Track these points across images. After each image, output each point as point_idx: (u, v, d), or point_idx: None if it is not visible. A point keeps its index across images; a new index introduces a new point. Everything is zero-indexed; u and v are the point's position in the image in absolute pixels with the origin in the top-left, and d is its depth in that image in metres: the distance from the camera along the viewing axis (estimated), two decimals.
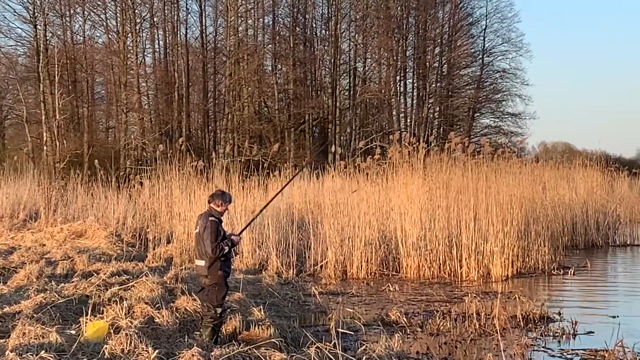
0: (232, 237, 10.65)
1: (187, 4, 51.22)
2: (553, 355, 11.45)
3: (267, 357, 8.97)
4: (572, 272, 20.75)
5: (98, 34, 50.89)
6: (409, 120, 54.48)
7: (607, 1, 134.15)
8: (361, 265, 20.09)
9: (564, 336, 12.69)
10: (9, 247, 21.36)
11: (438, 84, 56.73)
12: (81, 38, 49.07)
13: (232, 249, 10.63)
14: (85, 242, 22.48)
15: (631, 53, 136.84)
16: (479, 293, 16.66)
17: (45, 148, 43.02)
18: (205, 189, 20.75)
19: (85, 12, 48.39)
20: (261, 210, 12.98)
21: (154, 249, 21.33)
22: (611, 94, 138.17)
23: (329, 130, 51.39)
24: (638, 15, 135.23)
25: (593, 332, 13.01)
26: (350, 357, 8.64)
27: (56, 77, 42.14)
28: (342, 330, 10.63)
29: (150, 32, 50.03)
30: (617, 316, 14.19)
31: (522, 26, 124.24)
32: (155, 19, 49.33)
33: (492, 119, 58.96)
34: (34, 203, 29.48)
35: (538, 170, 27.25)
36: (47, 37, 45.02)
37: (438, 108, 56.50)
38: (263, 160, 28.74)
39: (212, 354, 8.87)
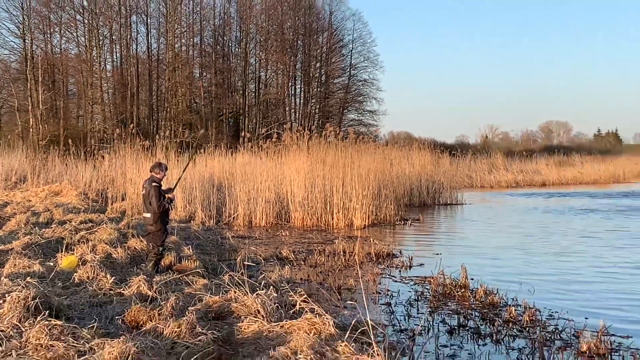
0: (168, 195, 13.27)
1: (137, 27, 62.71)
2: (395, 281, 14.33)
3: (194, 282, 11.64)
4: (409, 223, 26.40)
5: (71, 47, 62.31)
6: (297, 114, 68.43)
7: (442, 28, 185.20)
8: (262, 217, 25.68)
9: (403, 267, 16.10)
10: (3, 202, 25.36)
11: (318, 89, 72.27)
12: (58, 50, 60.76)
13: (170, 205, 13.54)
14: (60, 199, 26.45)
15: (453, 66, 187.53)
16: (345, 237, 20.84)
17: (31, 130, 53.89)
18: (149, 162, 24.39)
19: (62, 31, 60.51)
20: (184, 170, 15.98)
21: (111, 204, 26.47)
22: (439, 95, 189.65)
23: (240, 120, 64.93)
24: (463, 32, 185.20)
25: (423, 264, 16.37)
26: (253, 282, 10.98)
27: (39, 78, 54.78)
28: (248, 263, 13.93)
29: (110, 46, 61.73)
30: (440, 253, 17.92)
31: (379, 48, 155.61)
32: (113, 37, 61.17)
33: (356, 114, 75.13)
34: (22, 170, 35.44)
35: (387, 152, 33.57)
36: (33, 49, 57.52)
37: (318, 106, 71.37)
38: (192, 141, 35.94)
39: (154, 279, 11.30)
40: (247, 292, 9.98)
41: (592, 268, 15.87)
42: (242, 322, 8.62)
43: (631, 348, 9.00)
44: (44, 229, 17.33)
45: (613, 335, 9.52)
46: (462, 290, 12.57)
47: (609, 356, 8.79)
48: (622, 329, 9.94)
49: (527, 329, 9.98)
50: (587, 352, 8.83)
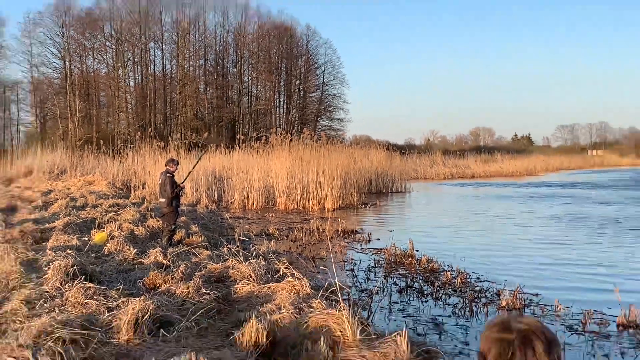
0: (180, 184, 13.50)
1: (154, 51, 62.29)
2: (357, 252, 14.40)
3: (199, 253, 11.69)
4: (369, 207, 26.36)
5: (102, 67, 61.78)
6: (281, 121, 67.82)
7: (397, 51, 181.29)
8: (253, 202, 25.64)
9: (364, 241, 16.08)
10: (48, 189, 25.38)
11: (297, 101, 72.01)
12: (92, 69, 59.93)
13: (180, 193, 13.61)
14: (93, 187, 26.39)
15: (405, 81, 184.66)
16: (318, 218, 21.00)
17: (70, 133, 53.28)
18: (164, 158, 23.66)
19: (94, 54, 59.80)
20: (194, 167, 15.67)
21: (134, 192, 26.03)
22: (392, 105, 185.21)
23: (236, 125, 63.78)
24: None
25: (379, 239, 16.39)
26: (246, 253, 11.05)
27: (77, 91, 54.65)
28: (242, 238, 13.92)
29: (133, 67, 60.74)
30: (392, 230, 18.12)
31: (345, 69, 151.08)
32: (135, 59, 60.32)
33: (327, 122, 74.18)
34: (63, 165, 35.17)
35: (351, 151, 33.15)
36: (72, 68, 57.41)
37: (297, 115, 70.97)
38: (198, 142, 35.87)
39: (168, 251, 11.34)
40: (241, 261, 10.03)
41: (509, 242, 16.07)
42: (237, 284, 8.65)
43: (540, 303, 9.11)
44: (80, 211, 17.29)
45: (525, 293, 9.63)
46: (410, 259, 12.65)
47: (523, 309, 8.90)
48: (533, 287, 10.06)
49: (460, 289, 10.07)
50: (506, 306, 8.93)
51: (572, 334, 7.76)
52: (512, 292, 9.38)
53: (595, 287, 10.33)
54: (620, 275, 11.30)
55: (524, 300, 9.25)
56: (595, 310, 8.61)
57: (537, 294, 9.69)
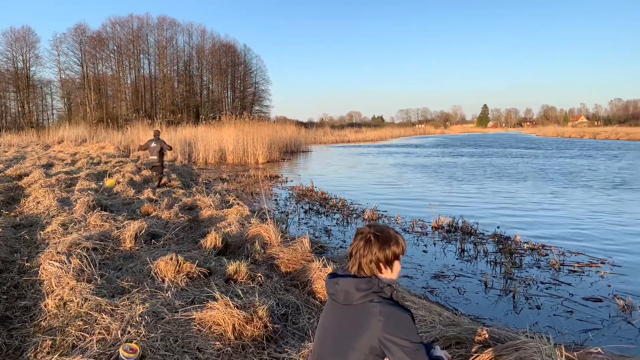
0: (169, 145, 13.49)
1: (143, 61, 59.19)
2: (279, 189, 14.09)
3: (177, 191, 11.08)
4: (285, 161, 25.56)
5: (108, 71, 57.71)
6: (229, 107, 63.40)
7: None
8: (212, 159, 24.44)
9: (284, 182, 15.71)
10: (74, 152, 23.43)
11: (239, 94, 69.06)
12: (101, 72, 56.45)
13: (166, 152, 12.88)
14: (105, 150, 24.67)
15: (308, 74, 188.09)
16: (254, 168, 20.67)
17: (87, 115, 50.65)
18: (151, 130, 23.54)
19: (103, 62, 56.38)
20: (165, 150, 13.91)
21: (132, 153, 23.88)
22: (299, 93, 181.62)
23: (199, 109, 60.47)
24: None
25: (292, 180, 16.06)
26: (208, 191, 11.02)
27: (91, 88, 53.15)
28: (205, 181, 13.90)
29: (129, 71, 57.98)
30: (300, 175, 17.92)
31: (269, 72, 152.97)
32: (130, 66, 57.66)
33: (259, 107, 70.73)
34: (84, 136, 33.28)
35: (273, 126, 31.81)
36: (87, 72, 54.60)
37: (240, 103, 67.16)
38: (174, 121, 35.00)
39: (156, 191, 10.89)
40: (205, 195, 9.80)
41: (371, 179, 16.33)
42: (202, 210, 8.46)
43: (387, 216, 9.41)
44: (96, 166, 16.26)
45: (379, 211, 9.92)
46: (311, 192, 12.74)
47: (378, 220, 9.17)
48: (384, 207, 10.38)
49: (341, 209, 10.25)
50: (367, 219, 9.19)
51: (405, 233, 8.09)
52: (371, 210, 9.66)
53: (419, 205, 10.77)
54: (433, 198, 11.83)
55: (379, 215, 9.54)
56: (419, 219, 8.99)
57: (386, 211, 10.02)
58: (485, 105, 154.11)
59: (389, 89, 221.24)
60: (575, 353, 2.81)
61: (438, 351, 2.02)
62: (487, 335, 3.06)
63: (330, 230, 8.27)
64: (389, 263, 1.96)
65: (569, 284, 5.52)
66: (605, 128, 75.94)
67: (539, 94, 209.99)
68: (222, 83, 66.96)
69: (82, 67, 54.59)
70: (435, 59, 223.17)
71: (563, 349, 2.76)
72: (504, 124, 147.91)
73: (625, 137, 52.03)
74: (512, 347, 2.73)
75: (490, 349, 2.81)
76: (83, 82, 54.14)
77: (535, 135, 76.33)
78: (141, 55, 58.83)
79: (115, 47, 56.94)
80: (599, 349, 2.84)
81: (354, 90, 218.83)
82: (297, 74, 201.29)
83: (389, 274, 1.97)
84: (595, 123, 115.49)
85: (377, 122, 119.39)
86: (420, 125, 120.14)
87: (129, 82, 58.25)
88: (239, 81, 69.83)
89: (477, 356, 2.80)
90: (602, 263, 6.32)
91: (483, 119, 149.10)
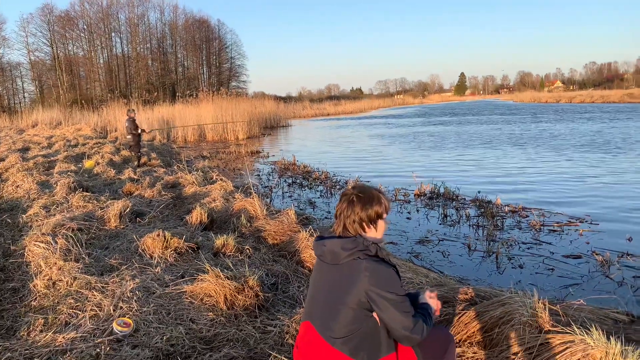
0: (143, 128, 13.05)
1: (115, 40, 56.84)
2: (261, 164, 14.10)
3: (158, 170, 11.08)
4: (266, 136, 25.41)
5: (79, 51, 55.56)
6: (205, 83, 61.05)
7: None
8: (191, 137, 23.86)
9: (264, 157, 15.80)
10: (50, 135, 22.67)
11: (216, 70, 66.89)
12: (72, 53, 54.30)
13: (142, 133, 12.59)
14: (82, 132, 23.92)
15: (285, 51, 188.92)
16: (235, 144, 20.44)
17: (61, 97, 48.42)
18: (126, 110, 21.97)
19: (73, 42, 54.20)
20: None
21: (109, 134, 23.53)
22: (276, 69, 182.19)
23: (175, 87, 58.78)
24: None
25: (274, 155, 16.01)
26: (190, 168, 10.89)
27: (63, 69, 50.70)
28: (186, 159, 13.51)
29: (101, 50, 55.96)
30: (282, 150, 17.86)
31: (244, 47, 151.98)
32: (102, 45, 55.34)
33: (236, 83, 68.11)
34: (59, 118, 32.15)
35: (252, 101, 31.77)
36: (58, 53, 52.15)
37: (216, 79, 65.55)
38: (150, 100, 33.78)
39: (137, 170, 10.86)
40: (187, 173, 9.71)
41: (352, 150, 16.41)
42: (185, 187, 8.41)
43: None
44: (74, 148, 15.87)
45: (363, 180, 10.00)
46: (293, 166, 12.74)
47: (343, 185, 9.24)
48: (367, 177, 10.47)
49: (324, 181, 10.28)
50: (344, 187, 9.24)
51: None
52: (354, 181, 9.72)
53: (402, 174, 10.87)
54: (415, 167, 11.96)
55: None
56: (402, 188, 9.10)
57: (368, 181, 10.10)
58: (462, 74, 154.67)
59: (367, 60, 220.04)
60: (558, 306, 2.93)
61: (425, 298, 2.09)
62: (473, 294, 3.16)
63: (315, 202, 8.32)
64: (372, 222, 2.01)
65: (550, 243, 5.69)
66: (581, 92, 77.09)
67: (515, 60, 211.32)
68: (197, 59, 65.10)
69: (52, 48, 52.48)
70: (413, 28, 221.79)
71: (547, 302, 2.87)
72: (481, 92, 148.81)
73: (600, 100, 52.95)
74: (498, 302, 2.83)
75: (477, 305, 2.91)
76: (54, 63, 52.05)
77: (512, 101, 77.05)
78: (112, 34, 56.70)
79: (85, 27, 54.74)
80: (581, 301, 2.96)
81: (332, 64, 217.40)
82: (273, 49, 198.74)
83: (374, 233, 2.02)
84: (571, 87, 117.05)
85: (356, 94, 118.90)
86: (399, 96, 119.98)
87: (101, 62, 56.23)
88: (214, 57, 68.02)
89: (465, 313, 2.90)
90: (580, 222, 6.52)
91: (461, 87, 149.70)
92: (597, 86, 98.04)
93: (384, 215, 2.04)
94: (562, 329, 2.52)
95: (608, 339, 2.37)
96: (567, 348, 2.39)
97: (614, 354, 2.28)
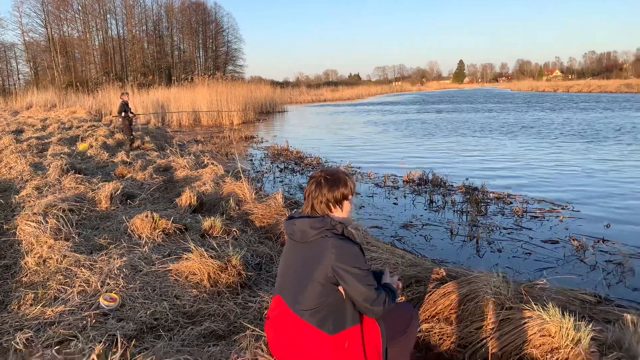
0: (133, 112, 12.94)
1: (110, 21, 56.60)
2: (254, 149, 14.20)
3: (151, 154, 11.19)
4: (261, 121, 25.29)
5: (74, 32, 54.98)
6: (201, 67, 62.74)
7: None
8: (186, 121, 24.07)
9: (259, 143, 15.75)
10: (44, 117, 22.74)
11: (212, 53, 66.66)
12: (67, 34, 53.51)
13: (135, 116, 13.49)
14: (76, 115, 24.13)
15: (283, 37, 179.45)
16: (229, 129, 20.59)
17: (56, 79, 48.55)
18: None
19: (68, 23, 53.40)
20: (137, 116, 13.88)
21: (104, 117, 23.87)
22: (274, 54, 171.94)
23: (171, 70, 58.68)
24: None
25: (268, 141, 16.11)
26: (183, 152, 11.01)
27: (58, 50, 50.22)
28: (179, 143, 13.58)
29: (96, 32, 55.46)
30: (276, 135, 17.94)
31: (241, 30, 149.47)
32: (98, 27, 54.88)
33: (232, 67, 68.08)
34: (53, 101, 32.04)
35: (248, 86, 31.28)
36: (52, 34, 51.61)
37: (213, 63, 65.36)
38: (145, 83, 34.41)
39: (130, 153, 11.00)
40: (179, 157, 9.83)
41: (346, 137, 16.47)
42: (177, 171, 8.53)
43: (361, 173, 9.61)
44: (68, 130, 16.00)
45: (353, 167, 10.10)
46: (286, 151, 12.84)
47: (353, 176, 9.37)
48: (357, 163, 10.58)
49: (315, 167, 10.41)
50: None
51: (378, 187, 8.34)
52: (345, 167, 9.85)
53: (393, 161, 11.00)
54: (407, 154, 12.09)
55: (352, 172, 9.75)
56: (391, 174, 9.23)
57: (359, 167, 10.23)
58: (461, 61, 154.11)
59: (366, 46, 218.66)
60: (522, 285, 3.09)
61: (386, 277, 2.23)
62: (444, 273, 3.32)
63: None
64: (338, 203, 2.14)
65: (530, 229, 5.86)
66: (579, 81, 77.04)
67: (514, 49, 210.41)
68: (193, 43, 64.70)
69: (47, 29, 51.83)
70: (413, 14, 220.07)
71: (511, 281, 3.04)
72: (480, 80, 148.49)
73: (597, 90, 53.00)
74: (465, 281, 2.99)
75: (446, 284, 3.08)
76: (48, 44, 51.49)
77: (510, 90, 77.01)
78: (108, 16, 56.20)
79: (79, 7, 54.13)
80: (545, 281, 3.13)
81: (330, 49, 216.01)
82: (271, 33, 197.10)
83: (340, 213, 2.15)
84: (570, 76, 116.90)
85: (354, 81, 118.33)
86: (397, 83, 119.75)
87: (97, 43, 55.67)
88: (210, 40, 67.55)
89: (434, 291, 3.06)
90: (562, 209, 6.69)
91: (459, 75, 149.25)
92: (596, 75, 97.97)
93: (350, 197, 2.17)
94: (522, 306, 2.68)
95: (565, 315, 2.53)
96: (525, 323, 2.56)
97: (567, 328, 2.44)
